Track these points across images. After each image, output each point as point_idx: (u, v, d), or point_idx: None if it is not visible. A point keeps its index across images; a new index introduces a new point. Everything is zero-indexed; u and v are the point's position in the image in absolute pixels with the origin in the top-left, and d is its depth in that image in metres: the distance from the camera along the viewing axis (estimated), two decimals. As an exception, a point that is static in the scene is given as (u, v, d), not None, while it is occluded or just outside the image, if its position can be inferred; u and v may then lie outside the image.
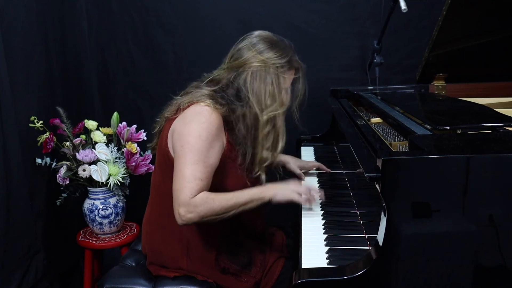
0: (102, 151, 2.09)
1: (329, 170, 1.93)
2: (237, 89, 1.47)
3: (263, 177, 1.52)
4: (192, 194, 1.35)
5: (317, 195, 1.55)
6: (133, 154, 2.13)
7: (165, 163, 1.49)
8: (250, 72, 1.46)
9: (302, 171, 1.89)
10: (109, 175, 2.07)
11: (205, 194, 1.38)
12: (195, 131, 1.40)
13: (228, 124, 1.49)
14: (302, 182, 1.55)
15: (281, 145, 1.52)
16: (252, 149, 1.49)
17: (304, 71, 1.58)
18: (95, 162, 2.08)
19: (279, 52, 1.48)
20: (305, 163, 1.95)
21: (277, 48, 1.49)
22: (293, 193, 1.46)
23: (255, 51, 1.47)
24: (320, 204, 1.57)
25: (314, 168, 1.95)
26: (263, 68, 1.46)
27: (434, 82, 2.07)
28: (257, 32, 1.54)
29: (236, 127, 1.48)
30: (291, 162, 1.90)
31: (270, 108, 1.46)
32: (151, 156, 2.18)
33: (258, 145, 1.48)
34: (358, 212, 1.50)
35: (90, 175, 2.06)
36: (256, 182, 1.55)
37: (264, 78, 1.45)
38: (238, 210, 1.41)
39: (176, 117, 1.48)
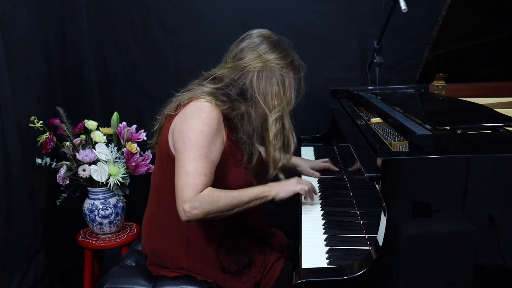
0: (102, 151, 2.09)
1: (337, 169, 1.95)
2: (241, 89, 1.48)
3: (282, 176, 1.55)
4: (197, 190, 1.35)
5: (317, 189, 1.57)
6: (133, 154, 2.13)
7: (166, 161, 1.49)
8: (256, 73, 1.48)
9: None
10: (109, 175, 2.07)
11: (211, 191, 1.38)
12: (196, 126, 1.40)
13: (227, 121, 1.50)
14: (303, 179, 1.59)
15: (293, 144, 1.55)
16: (263, 149, 1.51)
17: (305, 71, 1.59)
18: (95, 162, 2.08)
19: (282, 53, 1.51)
20: (316, 163, 1.98)
21: (280, 49, 1.51)
22: (294, 187, 1.50)
23: (259, 51, 1.49)
24: (320, 204, 1.57)
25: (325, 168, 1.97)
26: (269, 69, 1.48)
27: (434, 82, 2.07)
28: (257, 31, 1.55)
29: (241, 126, 1.49)
30: (302, 164, 1.95)
31: (277, 108, 1.48)
32: (151, 156, 2.18)
33: (269, 146, 1.50)
34: (358, 212, 1.50)
35: (90, 175, 2.06)
36: (256, 177, 1.56)
37: (270, 79, 1.48)
38: (242, 208, 1.43)
39: (176, 114, 1.48)
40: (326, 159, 1.98)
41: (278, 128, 1.49)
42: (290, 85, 1.52)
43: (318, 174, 1.92)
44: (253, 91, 1.47)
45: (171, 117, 1.50)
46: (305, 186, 1.53)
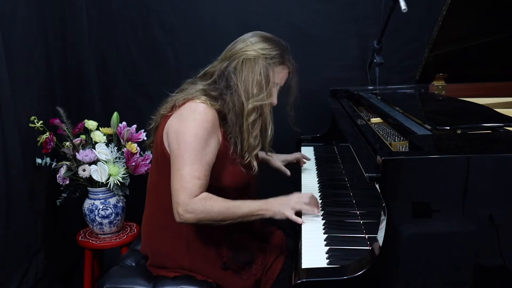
0: (102, 151, 2.09)
1: (309, 158, 2.06)
2: (227, 78, 1.50)
3: (254, 163, 1.51)
4: (191, 195, 1.36)
5: (316, 206, 1.51)
6: (133, 154, 2.14)
7: (162, 161, 1.50)
8: (240, 60, 1.49)
9: (285, 162, 1.99)
10: (109, 175, 2.07)
11: (205, 198, 1.38)
12: (191, 129, 1.40)
13: (223, 118, 1.50)
14: (303, 194, 1.55)
15: (269, 133, 1.53)
16: (240, 136, 1.50)
17: (297, 71, 1.59)
18: (95, 162, 2.08)
19: (271, 45, 1.52)
20: (288, 156, 2.02)
21: (269, 42, 1.52)
22: (289, 212, 1.43)
23: (248, 42, 1.51)
24: (320, 204, 1.57)
25: (296, 160, 2.03)
26: (253, 58, 1.49)
27: (434, 82, 2.07)
28: (253, 32, 1.57)
29: (228, 116, 1.49)
30: (273, 158, 1.95)
31: (256, 97, 1.47)
32: (151, 156, 2.18)
33: (244, 132, 1.49)
34: (358, 212, 1.50)
35: (90, 175, 2.06)
36: (252, 177, 1.55)
37: (253, 67, 1.48)
38: (235, 221, 1.42)
39: (171, 114, 1.49)
40: (299, 154, 2.06)
41: (255, 117, 1.48)
42: (274, 80, 1.52)
43: (288, 172, 1.94)
44: (236, 78, 1.48)
45: (166, 117, 1.50)
46: (301, 206, 1.46)
